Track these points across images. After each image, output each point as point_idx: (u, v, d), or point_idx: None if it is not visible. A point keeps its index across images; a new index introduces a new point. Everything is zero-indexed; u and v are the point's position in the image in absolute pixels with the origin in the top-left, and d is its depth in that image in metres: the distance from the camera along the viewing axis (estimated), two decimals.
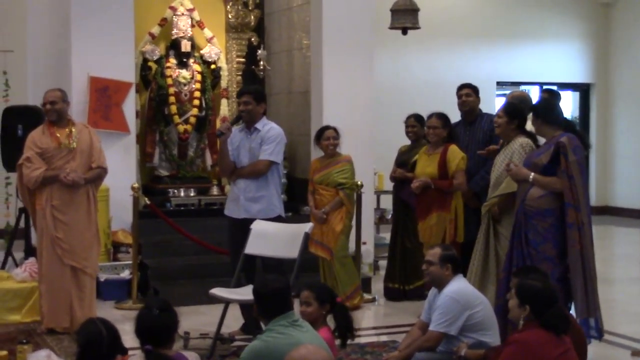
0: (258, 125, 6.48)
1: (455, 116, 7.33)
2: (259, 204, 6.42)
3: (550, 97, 7.61)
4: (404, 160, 7.74)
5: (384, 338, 6.70)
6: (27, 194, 6.57)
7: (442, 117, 7.02)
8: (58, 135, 6.48)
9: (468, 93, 7.32)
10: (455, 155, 6.88)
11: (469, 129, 7.24)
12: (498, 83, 13.57)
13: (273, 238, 6.14)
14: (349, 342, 4.86)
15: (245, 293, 5.63)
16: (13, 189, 8.37)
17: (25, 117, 8.08)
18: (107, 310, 7.15)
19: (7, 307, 6.90)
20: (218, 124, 9.60)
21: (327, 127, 7.55)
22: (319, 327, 4.60)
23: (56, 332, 6.52)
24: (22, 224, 8.24)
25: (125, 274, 7.91)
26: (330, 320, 4.82)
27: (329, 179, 7.39)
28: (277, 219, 6.43)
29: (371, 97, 9.20)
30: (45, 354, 5.36)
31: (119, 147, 8.34)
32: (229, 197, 6.74)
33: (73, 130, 6.54)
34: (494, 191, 6.02)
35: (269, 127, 6.49)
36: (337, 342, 4.74)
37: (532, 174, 5.56)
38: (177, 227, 7.89)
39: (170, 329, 3.97)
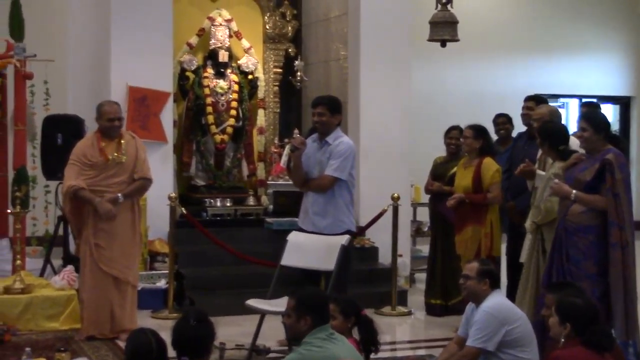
0: (329, 139, 6.24)
1: (493, 129, 7.26)
2: (326, 219, 6.23)
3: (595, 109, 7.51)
4: (440, 173, 7.69)
5: (420, 352, 6.66)
6: (68, 202, 6.60)
7: (476, 129, 6.96)
8: (106, 150, 6.50)
9: (529, 106, 7.25)
10: (490, 168, 6.83)
11: (530, 143, 7.11)
12: (537, 95, 13.43)
13: (309, 250, 6.12)
14: (373, 355, 4.82)
15: (282, 305, 5.60)
16: (52, 197, 8.45)
17: (65, 126, 8.20)
18: (143, 319, 7.17)
19: (46, 314, 6.96)
20: (255, 134, 9.64)
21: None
22: None
23: (94, 339, 6.55)
24: (60, 231, 8.31)
25: (162, 283, 7.93)
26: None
27: None
28: (345, 233, 6.19)
29: (408, 109, 9.18)
30: None
31: (157, 156, 8.38)
32: (301, 208, 6.55)
33: (122, 142, 6.57)
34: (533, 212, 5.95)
35: (338, 142, 6.23)
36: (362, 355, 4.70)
37: (574, 192, 5.48)
38: (212, 237, 7.90)
39: (206, 340, 3.98)
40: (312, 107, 6.38)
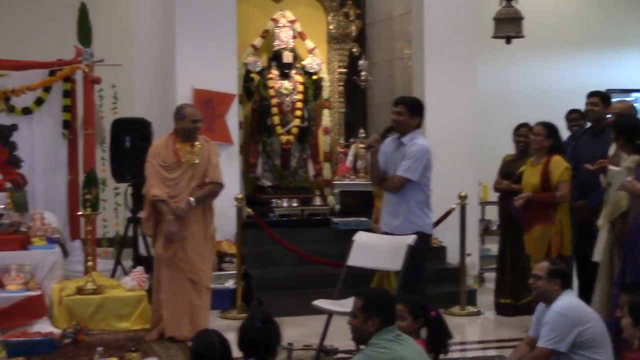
0: (405, 139, 6.19)
1: (563, 127, 7.12)
2: (397, 219, 6.19)
3: None
4: (509, 171, 7.58)
5: (490, 353, 6.57)
6: (148, 205, 6.68)
7: (547, 126, 6.83)
8: (180, 152, 6.57)
9: (593, 102, 7.09)
10: (558, 165, 6.69)
11: (595, 140, 6.99)
12: (608, 90, 13.13)
13: (375, 250, 6.09)
14: (442, 356, 4.75)
15: (348, 305, 5.57)
16: (122, 199, 8.56)
17: (133, 129, 8.31)
18: (212, 320, 7.20)
19: (117, 314, 7.06)
20: (320, 134, 9.64)
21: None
22: None
23: (164, 340, 6.62)
24: (130, 233, 8.42)
25: (230, 284, 7.98)
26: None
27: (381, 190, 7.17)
28: (417, 235, 6.10)
29: (474, 107, 9.08)
30: None
31: (223, 158, 8.32)
32: (382, 207, 6.54)
33: (196, 144, 6.64)
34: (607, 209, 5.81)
35: (412, 143, 6.17)
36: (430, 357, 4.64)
37: None
38: (278, 238, 7.91)
39: (272, 341, 3.98)
40: (392, 105, 6.34)
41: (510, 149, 7.81)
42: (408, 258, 5.84)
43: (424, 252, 6.25)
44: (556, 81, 12.41)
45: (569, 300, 4.88)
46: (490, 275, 8.65)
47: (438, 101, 8.91)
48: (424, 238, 6.18)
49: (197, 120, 6.65)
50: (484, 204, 9.59)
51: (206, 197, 6.70)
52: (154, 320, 6.78)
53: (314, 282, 7.85)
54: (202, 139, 6.75)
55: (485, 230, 9.53)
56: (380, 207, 7.06)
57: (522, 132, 7.60)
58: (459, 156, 8.89)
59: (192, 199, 6.55)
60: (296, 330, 6.74)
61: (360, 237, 6.27)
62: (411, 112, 6.21)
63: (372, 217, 7.26)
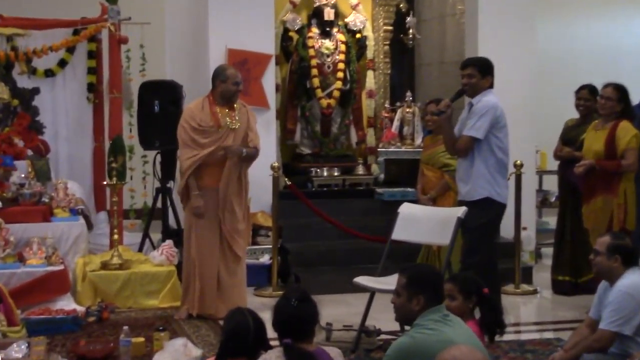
0: (474, 100, 6.18)
1: (634, 89, 6.96)
2: (467, 184, 6.15)
3: None
4: (572, 137, 7.45)
5: (547, 335, 6.51)
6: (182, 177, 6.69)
7: (619, 89, 6.68)
8: (219, 114, 6.56)
9: None
10: (627, 132, 6.54)
11: None
12: None
13: (422, 223, 6.04)
14: (497, 338, 4.68)
15: (392, 282, 5.52)
16: (150, 167, 8.57)
17: (163, 93, 8.29)
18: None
19: (145, 291, 7.09)
20: (364, 98, 9.56)
21: (430, 102, 7.27)
22: (465, 323, 4.45)
23: (194, 318, 6.63)
24: (159, 204, 8.44)
25: (265, 259, 7.98)
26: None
27: (434, 158, 7.05)
28: (482, 201, 6.05)
29: (533, 68, 8.98)
30: (181, 343, 5.43)
31: (259, 123, 8.26)
32: None
33: (235, 108, 6.63)
34: None
35: (479, 100, 6.17)
36: (485, 338, 4.57)
37: None
38: (317, 210, 7.88)
39: (309, 322, 3.93)
40: (460, 69, 6.32)
41: (572, 113, 7.70)
42: (456, 232, 5.77)
43: (493, 222, 6.19)
44: (626, 38, 12.16)
45: (635, 279, 4.76)
46: (548, 251, 8.56)
47: (493, 60, 8.67)
48: (493, 206, 6.10)
49: (239, 82, 6.66)
50: (541, 173, 9.50)
51: (250, 158, 6.70)
52: (184, 298, 6.80)
53: (355, 257, 7.84)
54: (239, 103, 6.74)
55: (543, 202, 9.44)
56: (428, 175, 7.01)
57: (581, 94, 7.48)
58: (515, 121, 8.61)
59: (244, 149, 6.55)
60: (336, 309, 6.72)
61: (406, 209, 6.21)
62: (482, 72, 6.20)
63: (417, 187, 7.19)
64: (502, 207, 6.22)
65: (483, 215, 6.01)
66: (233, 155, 6.55)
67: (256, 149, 6.71)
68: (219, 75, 6.66)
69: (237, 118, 6.63)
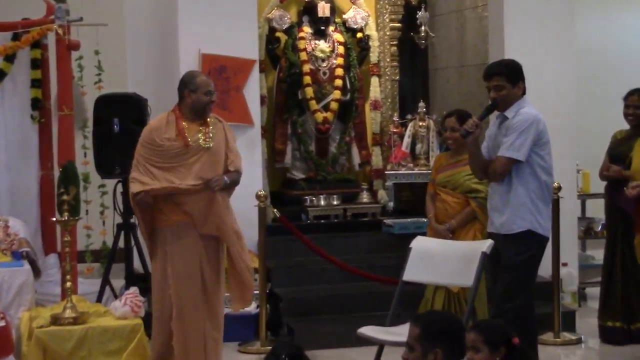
0: (508, 113, 6.14)
1: None
2: (503, 215, 6.13)
3: None
4: (621, 153, 7.49)
5: None
6: (137, 209, 6.65)
7: None
8: (187, 132, 6.53)
9: None
10: None
11: None
12: None
13: (439, 260, 6.05)
14: None
15: (405, 333, 5.53)
16: (109, 199, 8.57)
17: (123, 109, 8.28)
18: (229, 354, 7.26)
19: (105, 350, 7.01)
20: (368, 110, 9.59)
21: (449, 114, 7.29)
22: None
23: None
24: (122, 243, 8.43)
25: (252, 307, 7.96)
26: None
27: (456, 182, 7.09)
28: (523, 235, 6.06)
29: (572, 71, 9.04)
30: None
31: (241, 143, 8.29)
32: None
33: (209, 123, 6.61)
34: None
35: (515, 112, 6.14)
36: None
37: None
38: (314, 247, 7.89)
39: None
40: (484, 79, 6.28)
41: (621, 124, 7.73)
42: (481, 271, 5.78)
43: (535, 259, 6.18)
44: None
45: None
46: (594, 291, 8.59)
47: (523, 64, 8.56)
48: (534, 240, 6.10)
49: (212, 92, 6.61)
50: (585, 196, 9.50)
51: (233, 184, 6.67)
52: (154, 358, 6.77)
53: (360, 303, 7.86)
54: (213, 118, 6.72)
55: (587, 232, 9.45)
56: (447, 201, 7.03)
57: (630, 101, 7.53)
58: (552, 136, 8.70)
59: (225, 176, 6.53)
60: None
61: (420, 244, 6.23)
62: (511, 80, 6.16)
63: (429, 214, 7.22)
64: (545, 240, 6.24)
65: (523, 251, 6.01)
66: (215, 188, 6.50)
67: (238, 172, 6.69)
68: (187, 84, 6.62)
69: (211, 136, 6.60)
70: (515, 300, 5.95)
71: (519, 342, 4.68)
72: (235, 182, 6.70)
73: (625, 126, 7.68)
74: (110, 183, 8.58)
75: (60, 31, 8.15)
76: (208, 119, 6.62)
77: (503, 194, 6.13)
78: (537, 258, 6.22)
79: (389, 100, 9.83)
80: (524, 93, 6.26)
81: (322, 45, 9.39)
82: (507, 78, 6.14)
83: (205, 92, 6.55)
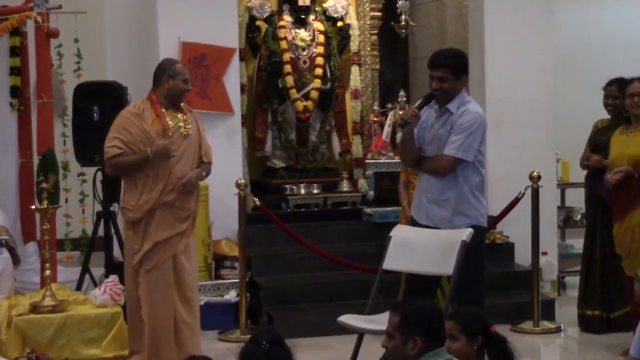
0: (451, 106, 6.09)
1: None
2: (444, 209, 6.11)
3: None
4: (602, 142, 7.49)
5: None
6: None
7: None
8: (166, 117, 6.52)
9: None
10: None
11: None
12: None
13: (421, 248, 6.02)
14: None
15: (384, 321, 5.53)
16: (89, 187, 8.54)
17: (103, 97, 8.23)
18: (208, 342, 7.24)
19: (84, 338, 7.01)
20: (348, 99, 9.57)
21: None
22: None
23: None
24: (101, 232, 8.41)
25: (231, 296, 7.98)
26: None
27: None
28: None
29: (551, 60, 9.06)
30: None
31: (221, 132, 8.42)
32: (414, 193, 6.50)
33: (185, 110, 6.60)
34: None
35: (463, 110, 6.08)
36: None
37: None
38: (295, 235, 7.89)
39: None
40: (429, 67, 6.20)
41: (602, 113, 7.74)
42: (461, 258, 5.78)
43: (482, 250, 6.21)
44: None
45: None
46: (574, 280, 8.61)
47: (502, 53, 8.87)
48: (480, 233, 6.12)
49: (188, 80, 6.61)
50: (564, 186, 9.53)
51: (203, 177, 6.68)
52: (132, 345, 6.77)
53: (340, 292, 7.90)
54: (185, 107, 6.71)
55: (567, 221, 9.47)
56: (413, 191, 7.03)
57: (609, 91, 7.53)
58: (530, 124, 8.85)
59: (203, 172, 6.56)
60: (317, 355, 6.77)
61: (400, 233, 6.21)
62: (456, 73, 6.09)
63: (402, 203, 7.26)
64: (486, 230, 6.35)
65: (472, 245, 5.96)
66: (194, 185, 6.51)
67: (210, 163, 6.69)
68: (166, 69, 6.60)
69: (189, 124, 6.59)
70: (471, 295, 5.91)
71: (496, 331, 4.71)
72: (207, 174, 6.72)
73: (606, 115, 7.70)
74: (90, 171, 8.54)
75: (39, 19, 8.10)
76: (182, 107, 6.62)
77: (444, 189, 6.10)
78: (483, 249, 6.25)
79: (369, 89, 9.84)
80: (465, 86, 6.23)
81: (303, 34, 9.39)
82: (452, 71, 6.06)
83: (184, 80, 6.55)
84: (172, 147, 6.38)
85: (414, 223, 6.32)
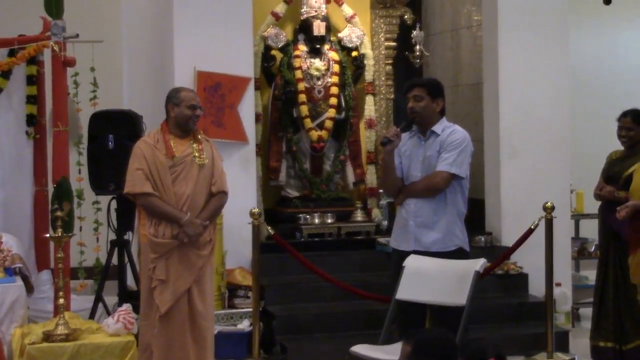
0: (436, 128, 6.30)
1: None
2: (434, 232, 6.26)
3: None
4: (615, 173, 7.48)
5: None
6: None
7: None
8: (174, 145, 6.50)
9: None
10: None
11: None
12: None
13: (434, 278, 6.04)
14: None
15: (398, 351, 5.52)
16: (103, 216, 8.57)
17: (118, 125, 8.29)
18: None
19: None
20: (362, 129, 9.59)
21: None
22: None
23: None
24: (115, 260, 8.42)
25: (244, 325, 7.95)
26: None
27: None
28: (457, 253, 6.27)
29: (566, 90, 9.06)
30: None
31: (235, 161, 8.44)
32: (396, 223, 6.58)
33: (200, 139, 6.60)
34: None
35: (450, 130, 6.32)
36: None
37: None
38: (309, 265, 7.88)
39: None
40: (404, 93, 6.42)
41: (616, 144, 7.71)
42: (474, 289, 5.80)
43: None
44: None
45: None
46: (588, 312, 8.56)
47: (517, 81, 8.89)
48: (463, 257, 6.28)
49: (197, 106, 6.61)
50: (578, 217, 9.51)
51: (215, 214, 6.66)
52: None
53: (354, 322, 7.88)
54: (202, 137, 6.72)
55: (581, 252, 9.45)
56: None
57: (624, 122, 7.50)
58: (544, 154, 8.85)
59: (203, 222, 6.51)
60: None
61: (413, 262, 6.22)
62: (432, 94, 6.31)
63: None
64: (470, 256, 6.42)
65: None
66: (194, 235, 6.48)
67: (222, 192, 6.67)
68: (170, 98, 6.64)
69: (204, 153, 6.60)
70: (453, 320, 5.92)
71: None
72: (220, 207, 6.70)
73: (621, 147, 7.69)
74: (105, 199, 8.57)
75: (56, 48, 8.15)
76: (199, 136, 6.63)
77: (434, 211, 6.24)
78: None
79: (384, 118, 9.86)
80: (442, 112, 6.37)
81: (317, 63, 9.41)
82: (428, 91, 6.29)
83: (189, 106, 6.56)
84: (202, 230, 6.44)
85: (396, 253, 6.44)
